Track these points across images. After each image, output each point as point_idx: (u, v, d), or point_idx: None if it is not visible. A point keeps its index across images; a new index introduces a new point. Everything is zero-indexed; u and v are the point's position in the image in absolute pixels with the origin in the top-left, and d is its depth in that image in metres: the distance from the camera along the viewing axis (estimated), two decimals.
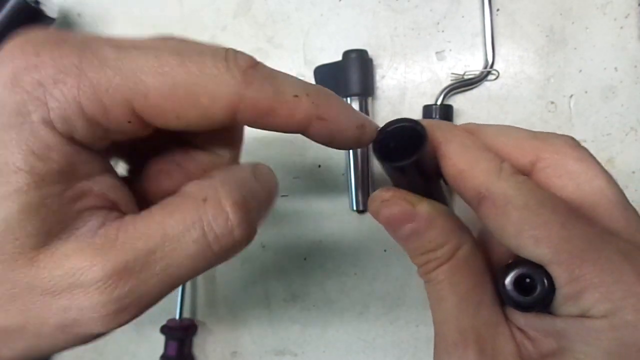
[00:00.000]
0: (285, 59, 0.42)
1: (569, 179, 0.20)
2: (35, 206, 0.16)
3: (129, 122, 0.17)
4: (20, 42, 0.16)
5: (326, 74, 0.40)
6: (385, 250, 0.41)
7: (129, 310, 0.17)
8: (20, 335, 0.17)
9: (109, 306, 0.16)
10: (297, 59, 0.42)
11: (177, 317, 0.41)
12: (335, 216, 0.42)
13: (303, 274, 0.43)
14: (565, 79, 0.40)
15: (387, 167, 0.21)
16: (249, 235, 0.19)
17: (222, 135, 0.21)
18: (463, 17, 0.40)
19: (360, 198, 0.40)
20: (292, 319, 0.43)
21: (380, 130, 0.21)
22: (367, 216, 0.42)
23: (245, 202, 0.19)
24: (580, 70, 0.40)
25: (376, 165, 0.41)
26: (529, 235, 0.18)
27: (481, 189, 0.19)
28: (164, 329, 0.42)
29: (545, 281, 0.19)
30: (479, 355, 0.20)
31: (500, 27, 0.40)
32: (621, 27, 0.39)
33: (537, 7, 0.39)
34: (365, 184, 0.40)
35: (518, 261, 0.20)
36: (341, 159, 0.41)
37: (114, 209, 0.18)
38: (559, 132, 0.40)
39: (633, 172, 0.40)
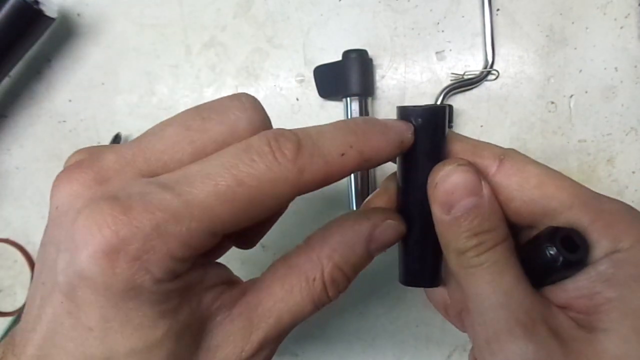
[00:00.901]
0: (285, 59, 0.42)
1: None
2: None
3: (212, 239, 0.18)
4: (86, 213, 0.17)
5: (326, 74, 0.40)
6: (385, 250, 0.41)
7: None
8: None
9: None
10: (297, 59, 0.42)
11: None
12: (335, 216, 0.42)
13: None
14: (565, 79, 0.40)
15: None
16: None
17: None
18: (463, 17, 0.40)
19: (360, 198, 0.40)
20: None
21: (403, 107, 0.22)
22: None
23: (348, 275, 0.21)
24: (580, 70, 0.40)
25: None
26: (551, 184, 0.21)
27: (499, 155, 0.22)
28: None
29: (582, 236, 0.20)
30: (549, 332, 0.19)
31: (500, 27, 0.40)
32: (621, 27, 0.39)
33: (537, 7, 0.39)
34: (365, 185, 0.40)
35: (552, 228, 0.21)
36: None
37: (228, 283, 0.21)
38: (559, 132, 0.40)
39: (633, 172, 0.40)
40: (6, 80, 0.43)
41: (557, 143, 0.40)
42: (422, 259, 0.24)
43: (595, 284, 0.20)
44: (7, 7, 0.36)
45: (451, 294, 0.25)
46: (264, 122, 0.20)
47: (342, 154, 0.19)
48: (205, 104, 0.20)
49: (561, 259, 0.20)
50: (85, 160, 0.19)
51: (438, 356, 0.42)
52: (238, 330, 0.20)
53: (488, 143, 0.23)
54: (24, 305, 0.42)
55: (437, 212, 0.21)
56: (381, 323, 0.42)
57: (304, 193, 0.19)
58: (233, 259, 0.43)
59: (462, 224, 0.21)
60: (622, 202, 0.21)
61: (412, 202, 0.23)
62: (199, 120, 0.19)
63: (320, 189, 0.44)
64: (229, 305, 0.20)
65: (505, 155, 0.22)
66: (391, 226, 0.22)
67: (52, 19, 0.39)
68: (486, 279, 0.21)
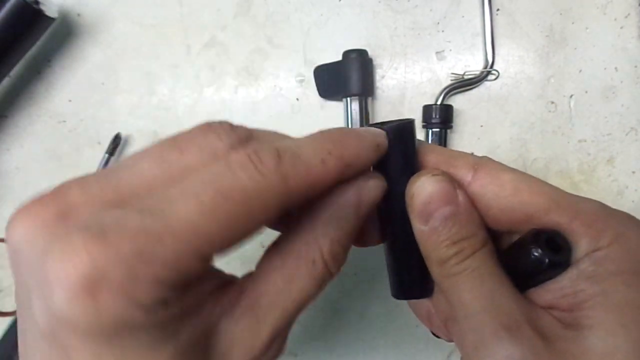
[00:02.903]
0: (285, 59, 0.42)
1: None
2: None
3: (202, 263, 0.17)
4: (55, 249, 0.15)
5: (326, 74, 0.40)
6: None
7: None
8: None
9: None
10: (297, 59, 0.42)
11: None
12: None
13: None
14: (565, 79, 0.40)
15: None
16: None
17: None
18: (463, 17, 0.40)
19: None
20: None
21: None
22: None
23: (346, 246, 0.21)
24: (580, 70, 0.40)
25: None
26: (527, 190, 0.21)
27: (473, 165, 0.22)
28: None
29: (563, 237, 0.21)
30: (535, 333, 0.19)
31: (500, 27, 0.40)
32: (621, 27, 0.39)
33: (537, 7, 0.39)
34: None
35: (535, 231, 0.21)
36: None
37: (224, 284, 0.20)
38: (558, 132, 0.40)
39: (633, 172, 0.40)
40: (6, 80, 0.43)
41: (557, 143, 0.40)
42: (411, 270, 0.24)
43: (578, 282, 0.20)
44: (7, 7, 0.36)
45: (435, 304, 0.25)
46: (244, 142, 0.19)
47: (323, 160, 0.19)
48: (179, 134, 0.18)
49: (547, 260, 0.20)
50: (45, 194, 0.17)
51: (438, 356, 0.42)
52: (244, 330, 0.19)
53: (462, 152, 0.23)
54: None
55: (415, 223, 0.22)
56: (381, 323, 0.42)
57: (290, 205, 0.18)
58: (233, 259, 0.43)
59: (441, 233, 0.21)
60: (597, 201, 0.22)
61: (395, 216, 0.23)
62: (177, 152, 0.18)
63: None
64: (229, 308, 0.19)
65: (479, 164, 0.22)
66: (374, 185, 0.21)
67: (52, 19, 0.39)
68: (468, 286, 0.21)
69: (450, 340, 0.25)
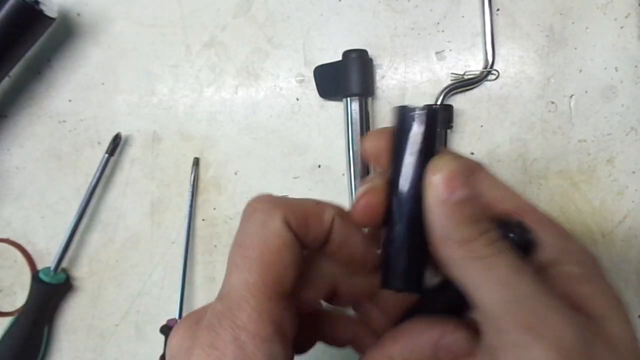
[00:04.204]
0: (285, 59, 0.42)
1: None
2: None
3: (281, 302, 0.20)
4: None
5: (326, 74, 0.40)
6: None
7: None
8: None
9: None
10: (297, 59, 0.42)
11: (177, 317, 0.41)
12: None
13: None
14: (565, 79, 0.40)
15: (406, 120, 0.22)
16: None
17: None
18: (463, 17, 0.40)
19: None
20: None
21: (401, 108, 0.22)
22: None
23: None
24: (580, 70, 0.40)
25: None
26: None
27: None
28: (164, 329, 0.42)
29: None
30: (580, 316, 0.18)
31: (500, 27, 0.40)
32: (621, 27, 0.39)
33: (537, 7, 0.39)
34: None
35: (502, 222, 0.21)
36: (341, 159, 0.41)
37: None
38: (559, 132, 0.40)
39: (633, 172, 0.40)
40: (6, 80, 0.43)
41: (557, 143, 0.40)
42: (409, 260, 0.23)
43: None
44: (7, 7, 0.36)
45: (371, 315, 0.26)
46: None
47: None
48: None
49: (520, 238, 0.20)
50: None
51: None
52: None
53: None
54: (23, 305, 0.42)
55: (438, 195, 0.20)
56: None
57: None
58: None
59: (466, 207, 0.19)
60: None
61: (402, 197, 0.22)
62: None
63: (320, 188, 0.44)
64: None
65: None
66: (460, 339, 0.21)
67: (52, 19, 0.39)
68: (494, 274, 0.19)
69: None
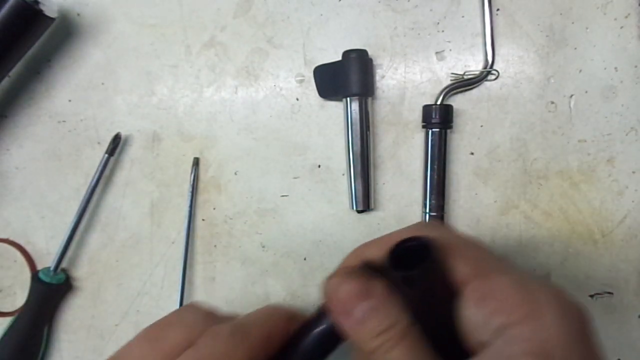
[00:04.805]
0: (285, 59, 0.42)
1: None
2: None
3: None
4: None
5: (326, 74, 0.40)
6: None
7: None
8: None
9: None
10: (297, 59, 0.42)
11: None
12: (335, 216, 0.42)
13: (303, 274, 0.43)
14: (565, 79, 0.40)
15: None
16: None
17: None
18: (463, 17, 0.40)
19: (360, 198, 0.40)
20: None
21: (393, 248, 0.22)
22: (367, 216, 0.42)
23: None
24: (580, 70, 0.40)
25: (376, 165, 0.41)
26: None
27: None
28: None
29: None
30: None
31: (500, 27, 0.40)
32: (621, 27, 0.39)
33: (537, 7, 0.39)
34: (366, 184, 0.40)
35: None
36: (341, 159, 0.41)
37: None
38: (559, 132, 0.40)
39: (633, 172, 0.40)
40: (6, 80, 0.43)
41: (557, 143, 0.40)
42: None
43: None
44: (7, 7, 0.36)
45: None
46: (210, 320, 0.25)
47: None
48: (161, 320, 0.24)
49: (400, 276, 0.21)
50: None
51: None
52: None
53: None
54: (23, 305, 0.42)
55: (339, 320, 0.22)
56: None
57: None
58: (233, 259, 0.43)
59: (364, 326, 0.22)
60: (516, 273, 0.22)
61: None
62: (160, 331, 0.23)
63: (320, 188, 0.44)
64: None
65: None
66: None
67: (52, 19, 0.39)
68: None
69: None
